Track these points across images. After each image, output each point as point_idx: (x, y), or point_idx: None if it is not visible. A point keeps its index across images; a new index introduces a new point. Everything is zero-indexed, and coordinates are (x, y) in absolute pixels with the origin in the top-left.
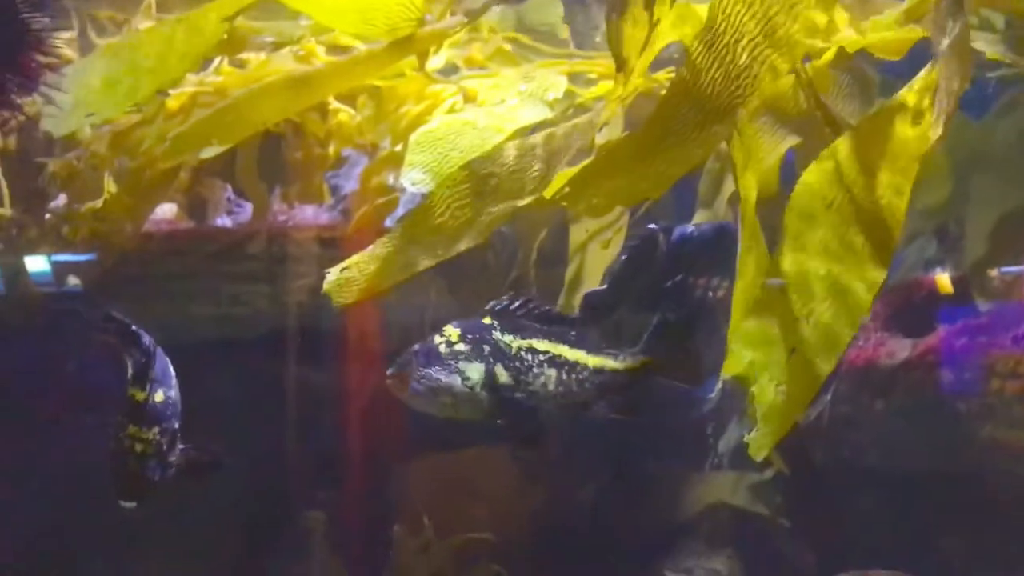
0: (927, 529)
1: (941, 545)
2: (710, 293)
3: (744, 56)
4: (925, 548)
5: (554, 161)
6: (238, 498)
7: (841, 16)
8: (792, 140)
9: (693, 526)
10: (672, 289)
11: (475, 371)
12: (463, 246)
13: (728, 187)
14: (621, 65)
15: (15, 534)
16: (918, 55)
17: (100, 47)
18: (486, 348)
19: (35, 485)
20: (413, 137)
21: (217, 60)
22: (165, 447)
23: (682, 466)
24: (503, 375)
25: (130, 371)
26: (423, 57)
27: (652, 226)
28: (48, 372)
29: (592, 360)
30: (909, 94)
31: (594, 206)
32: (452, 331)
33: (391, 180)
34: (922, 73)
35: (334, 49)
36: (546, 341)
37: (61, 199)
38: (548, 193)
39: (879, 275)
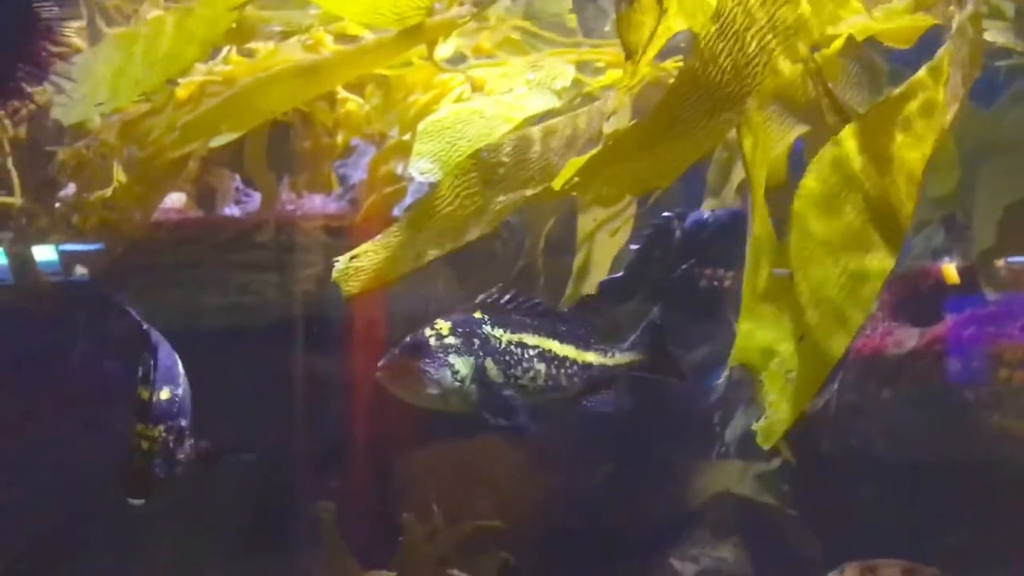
0: (934, 518)
1: (948, 534)
2: (716, 283)
3: (754, 44)
4: (932, 537)
5: (563, 150)
6: (248, 487)
7: (851, 4)
8: (801, 129)
9: (700, 515)
10: (678, 280)
11: (464, 365)
12: (472, 236)
13: (736, 176)
14: (630, 53)
15: (24, 522)
16: (927, 44)
17: (109, 36)
18: (476, 342)
19: (43, 474)
20: (421, 126)
21: (226, 49)
22: (172, 444)
23: (689, 455)
24: (492, 369)
25: (139, 370)
26: (431, 46)
27: (667, 213)
28: (55, 361)
29: (581, 355)
30: (918, 83)
31: (603, 195)
32: (442, 324)
33: (399, 169)
34: (932, 62)
35: (342, 38)
36: (536, 336)
37: (71, 188)
38: (557, 183)
39: (888, 262)
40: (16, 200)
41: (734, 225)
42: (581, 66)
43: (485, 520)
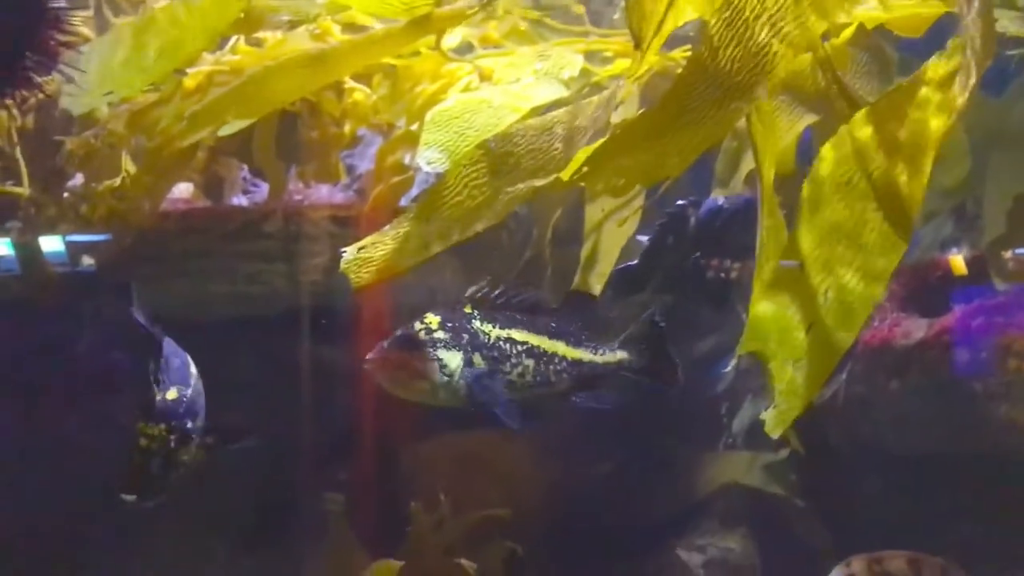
0: (942, 509)
1: (956, 525)
2: (723, 273)
3: (764, 33)
4: (940, 528)
5: (572, 140)
6: (256, 477)
7: None
8: (810, 118)
9: (707, 505)
10: (687, 271)
11: (453, 359)
12: (481, 226)
13: (745, 166)
14: (639, 42)
15: (28, 513)
16: (938, 33)
17: (116, 26)
18: (465, 336)
19: (48, 464)
20: (429, 116)
21: (233, 39)
22: (173, 445)
23: (696, 445)
24: (481, 364)
25: (150, 367)
26: (439, 36)
27: (681, 201)
28: (61, 353)
29: (571, 352)
30: (929, 72)
31: (612, 186)
32: (432, 318)
33: (407, 159)
34: (942, 51)
35: (350, 28)
36: (525, 331)
37: (79, 178)
38: (566, 173)
39: (898, 251)
40: (24, 190)
41: (748, 212)
42: (589, 56)
43: (492, 510)
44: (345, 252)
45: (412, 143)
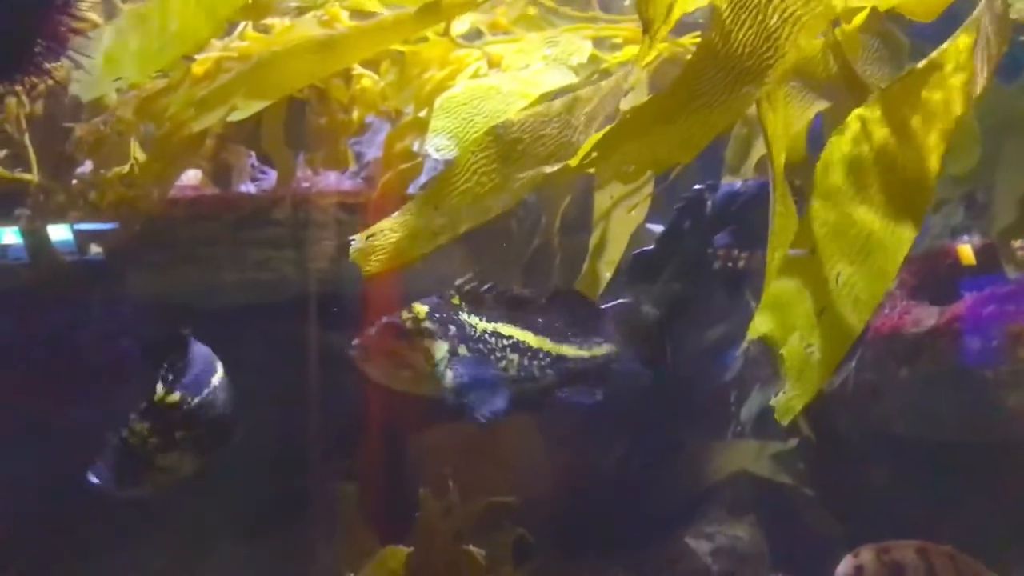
0: (952, 498)
1: (966, 514)
2: (731, 263)
3: (775, 17)
4: (950, 517)
5: (582, 126)
6: (266, 464)
7: None
8: (821, 105)
9: (715, 493)
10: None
11: (438, 349)
12: (490, 213)
13: (756, 153)
14: (647, 27)
15: (34, 500)
16: (951, 19)
17: (125, 12)
18: (451, 328)
19: (56, 449)
20: (437, 102)
21: (241, 25)
22: (152, 447)
23: (705, 434)
24: (466, 356)
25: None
26: (448, 22)
27: (698, 186)
28: (68, 341)
29: (556, 347)
30: (941, 57)
31: (623, 172)
32: (419, 308)
33: (415, 146)
34: (955, 36)
35: (358, 14)
36: (511, 326)
37: (88, 165)
38: (576, 159)
39: (909, 236)
40: (33, 177)
41: (765, 196)
42: (598, 42)
43: (500, 497)
44: (354, 240)
45: (420, 130)
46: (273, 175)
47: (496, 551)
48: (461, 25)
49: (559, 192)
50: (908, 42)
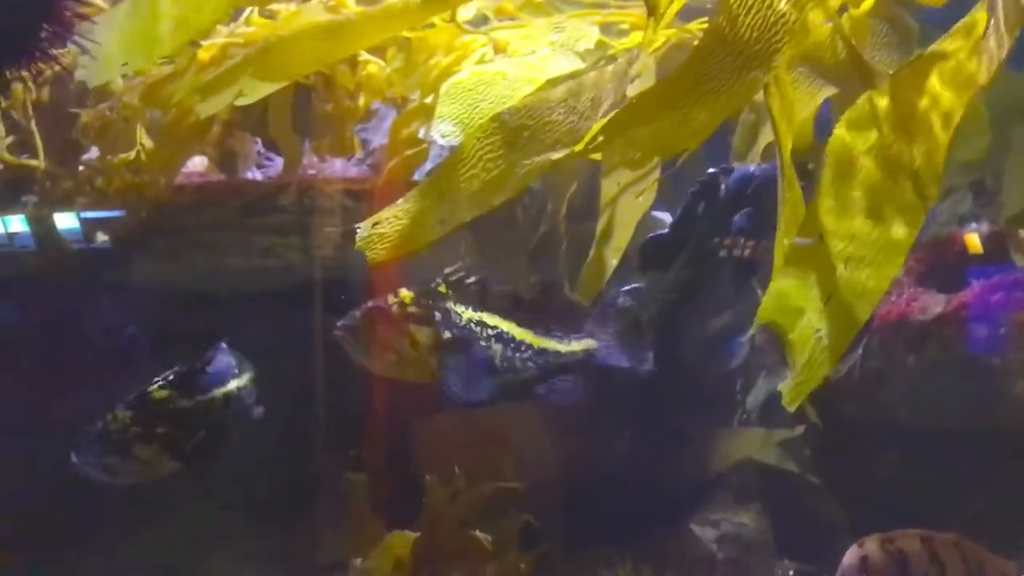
0: (958, 485)
1: (972, 501)
2: (737, 251)
3: (783, 2)
4: (955, 504)
5: (589, 112)
6: (273, 449)
7: None
8: (829, 91)
9: (721, 481)
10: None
11: (423, 335)
12: (497, 200)
13: (763, 139)
14: (652, 9)
15: (41, 486)
16: (958, 3)
17: None
18: (437, 315)
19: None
20: (443, 88)
21: (247, 11)
22: (131, 436)
23: (711, 421)
24: (450, 343)
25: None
26: (455, 8)
27: (712, 169)
28: (74, 329)
29: (539, 341)
30: (950, 43)
31: (629, 158)
32: (406, 294)
33: (421, 133)
34: (964, 20)
35: (364, 0)
36: (497, 317)
37: (94, 151)
38: (581, 144)
39: (916, 224)
40: (40, 163)
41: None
42: (605, 28)
43: (507, 482)
44: (360, 228)
45: (426, 116)
46: (279, 162)
47: (502, 537)
48: (467, 11)
49: (565, 179)
50: (917, 27)
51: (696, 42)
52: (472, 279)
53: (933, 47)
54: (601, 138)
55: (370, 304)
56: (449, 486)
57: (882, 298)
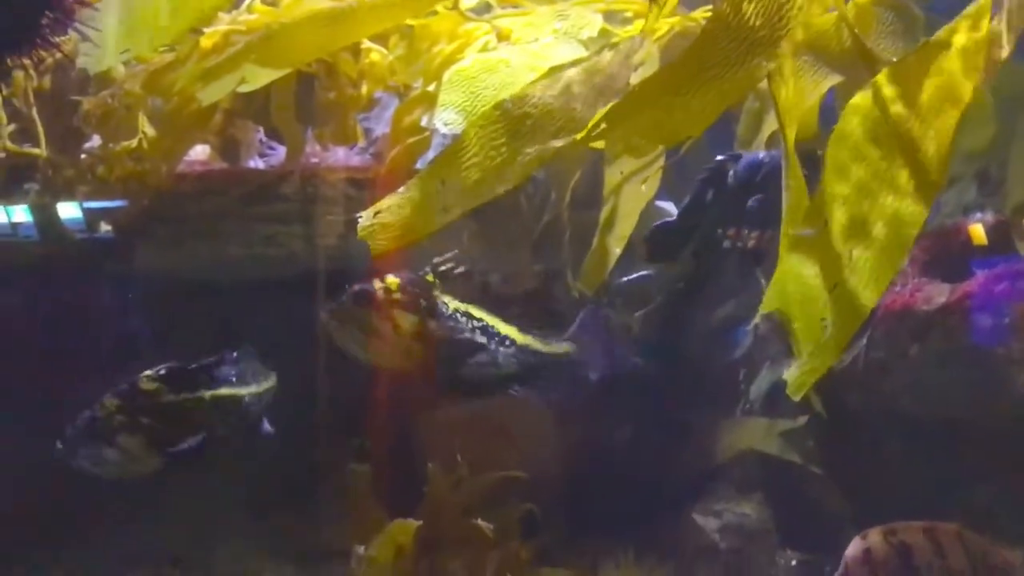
0: (961, 475)
1: (975, 491)
2: (740, 243)
3: None
4: (959, 494)
5: (592, 100)
6: (276, 438)
7: None
8: (834, 79)
9: (724, 471)
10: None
11: (407, 321)
12: (500, 189)
13: (767, 127)
14: None
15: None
16: None
17: None
18: (422, 302)
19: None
20: (446, 76)
21: None
22: (115, 424)
23: (714, 411)
24: (434, 332)
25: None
26: None
27: (720, 156)
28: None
29: (521, 337)
30: (955, 32)
31: (633, 145)
32: (392, 280)
33: (423, 121)
34: (969, 9)
35: None
36: (483, 310)
37: (96, 139)
38: (584, 131)
39: (922, 210)
40: (42, 151)
41: None
42: (609, 16)
43: (509, 472)
44: (361, 217)
45: (429, 104)
46: (281, 150)
47: (504, 526)
48: None
49: (569, 167)
50: (923, 15)
51: (700, 29)
52: (460, 269)
53: (938, 35)
54: (604, 126)
55: (356, 288)
56: (451, 475)
57: (886, 288)
